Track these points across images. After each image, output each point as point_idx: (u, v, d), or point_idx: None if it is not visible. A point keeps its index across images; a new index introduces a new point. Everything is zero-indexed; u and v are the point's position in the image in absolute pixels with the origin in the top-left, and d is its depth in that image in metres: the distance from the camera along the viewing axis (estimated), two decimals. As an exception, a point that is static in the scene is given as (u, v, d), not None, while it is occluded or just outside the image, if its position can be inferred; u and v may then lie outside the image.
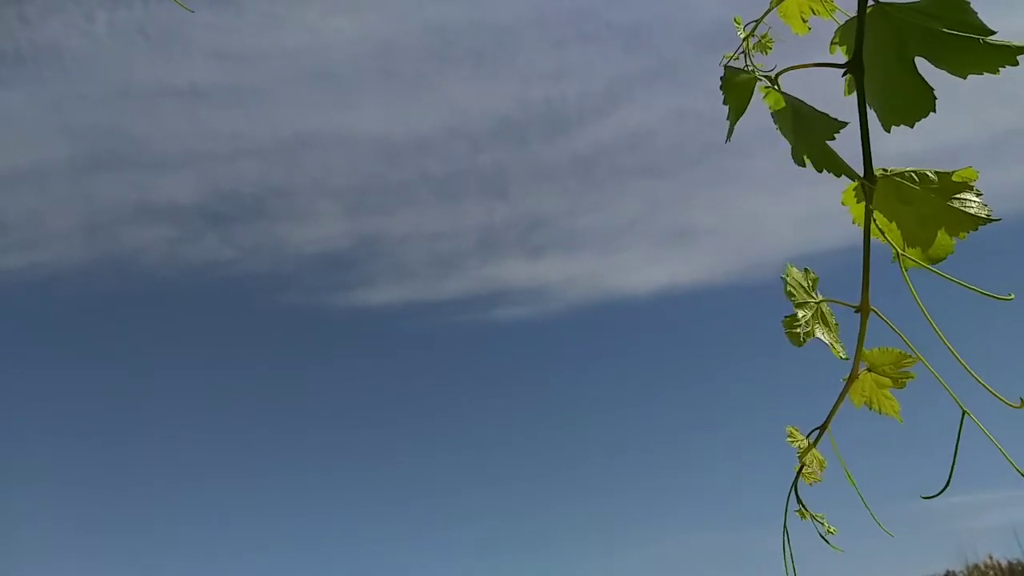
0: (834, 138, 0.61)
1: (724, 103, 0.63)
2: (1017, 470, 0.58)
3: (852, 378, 0.70)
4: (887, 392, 0.72)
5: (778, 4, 0.76)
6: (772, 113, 0.67)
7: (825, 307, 0.73)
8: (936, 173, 0.66)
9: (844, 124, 0.60)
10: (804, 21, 0.78)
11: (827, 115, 0.61)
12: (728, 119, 0.63)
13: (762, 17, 0.82)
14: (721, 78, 0.63)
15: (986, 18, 0.61)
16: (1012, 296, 0.57)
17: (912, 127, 0.60)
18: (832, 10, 0.77)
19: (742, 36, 0.84)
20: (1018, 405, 0.56)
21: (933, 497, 0.62)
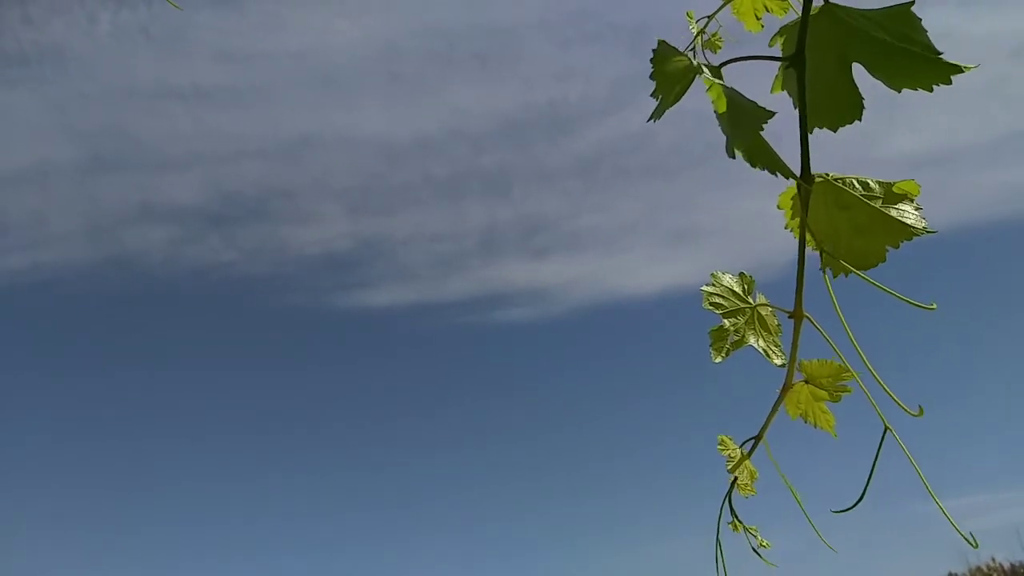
0: (763, 128, 0.59)
1: (651, 77, 0.61)
2: (928, 488, 0.56)
3: (785, 388, 0.68)
4: (823, 406, 0.69)
5: (730, 0, 0.73)
6: (714, 108, 0.66)
7: (764, 311, 0.70)
8: (877, 182, 0.64)
9: (773, 113, 0.58)
10: (758, 18, 0.76)
11: (757, 104, 0.59)
12: (654, 95, 0.61)
13: (715, 13, 0.79)
14: (652, 50, 0.61)
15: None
16: (934, 306, 0.55)
17: (835, 132, 0.58)
18: (786, 8, 0.75)
19: (694, 31, 0.81)
20: (917, 413, 0.54)
21: (846, 511, 0.59)
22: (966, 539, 0.53)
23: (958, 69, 0.57)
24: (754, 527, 0.73)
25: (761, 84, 0.67)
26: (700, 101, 0.66)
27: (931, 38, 0.59)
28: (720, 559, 0.72)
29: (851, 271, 0.60)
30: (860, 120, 0.58)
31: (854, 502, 0.58)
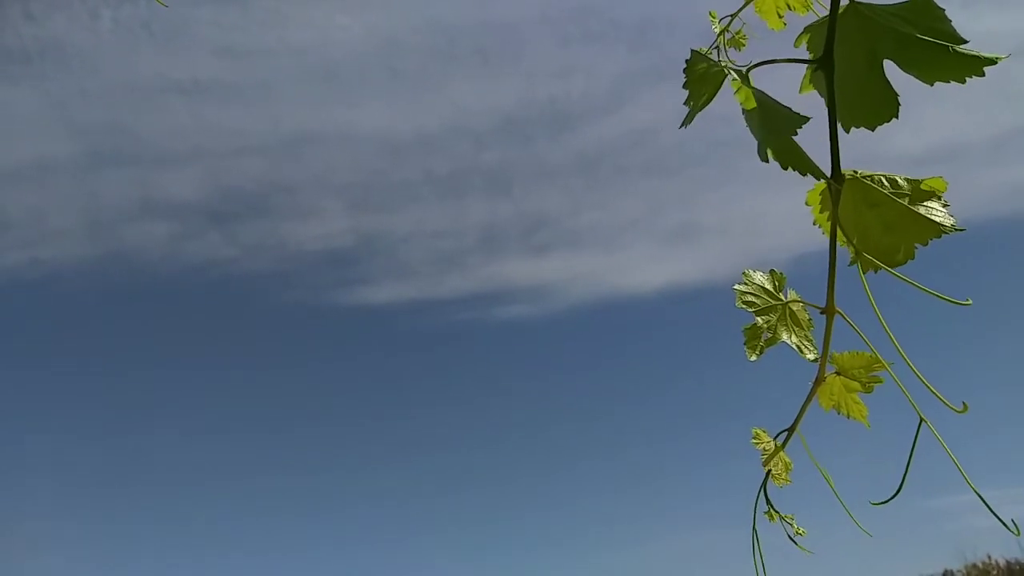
0: (797, 133, 0.60)
1: (684, 87, 0.62)
2: (967, 481, 0.57)
3: (818, 381, 0.70)
4: (855, 396, 0.71)
5: (753, -1, 0.74)
6: (742, 108, 0.67)
7: (795, 307, 0.72)
8: (905, 179, 0.65)
9: (807, 119, 0.59)
10: (780, 16, 0.76)
11: (791, 109, 0.60)
12: (687, 103, 0.62)
13: (738, 12, 0.80)
14: (686, 61, 0.62)
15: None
16: (970, 301, 0.56)
17: (872, 131, 0.59)
18: (808, 6, 0.75)
19: (716, 31, 0.82)
20: (961, 409, 0.55)
21: (884, 503, 0.61)
22: (1007, 527, 0.54)
23: (990, 60, 0.57)
24: (790, 515, 0.74)
25: (788, 83, 0.68)
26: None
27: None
28: (757, 549, 0.74)
29: (881, 267, 0.62)
30: (897, 117, 0.59)
31: (892, 494, 0.60)
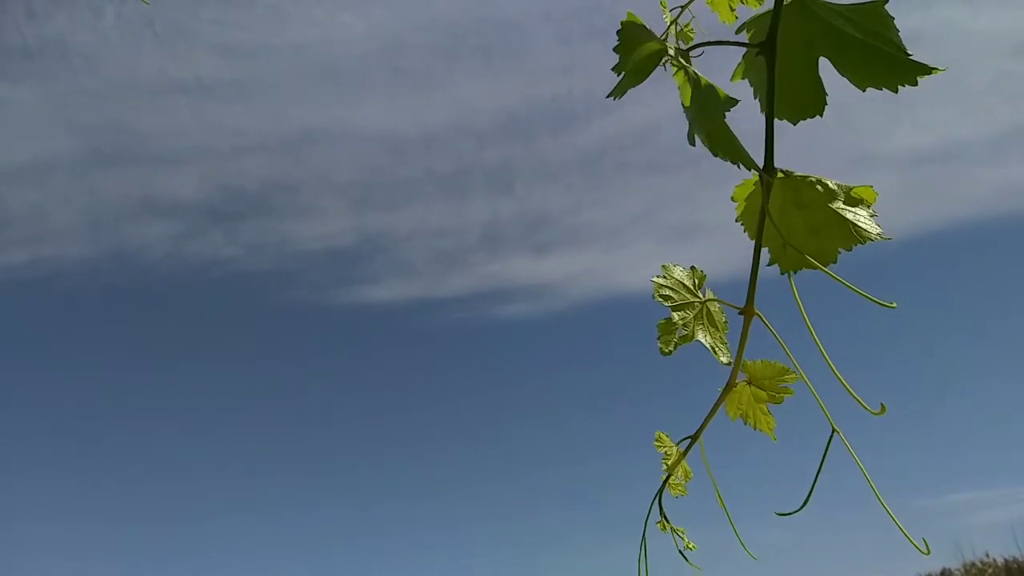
0: (726, 115, 0.57)
1: (615, 50, 0.59)
2: (874, 490, 0.54)
3: (728, 387, 0.66)
4: (764, 407, 0.68)
5: (705, -11, 0.72)
6: (679, 91, 0.64)
7: (713, 306, 0.69)
8: (837, 184, 0.63)
9: (736, 101, 0.56)
10: (732, 10, 0.74)
11: (722, 90, 0.57)
12: (615, 70, 0.59)
13: (688, 3, 0.78)
14: (621, 23, 0.59)
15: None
16: (895, 304, 0.54)
17: (795, 124, 0.57)
18: (761, 0, 0.73)
19: (667, 21, 0.80)
20: (878, 412, 0.52)
21: (789, 515, 0.58)
22: (916, 546, 0.51)
23: (926, 70, 0.56)
24: (682, 528, 0.71)
25: (727, 73, 0.65)
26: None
27: (903, 37, 0.59)
28: (643, 559, 0.70)
29: (808, 266, 0.59)
30: (822, 115, 0.57)
31: (799, 506, 0.57)
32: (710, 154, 0.60)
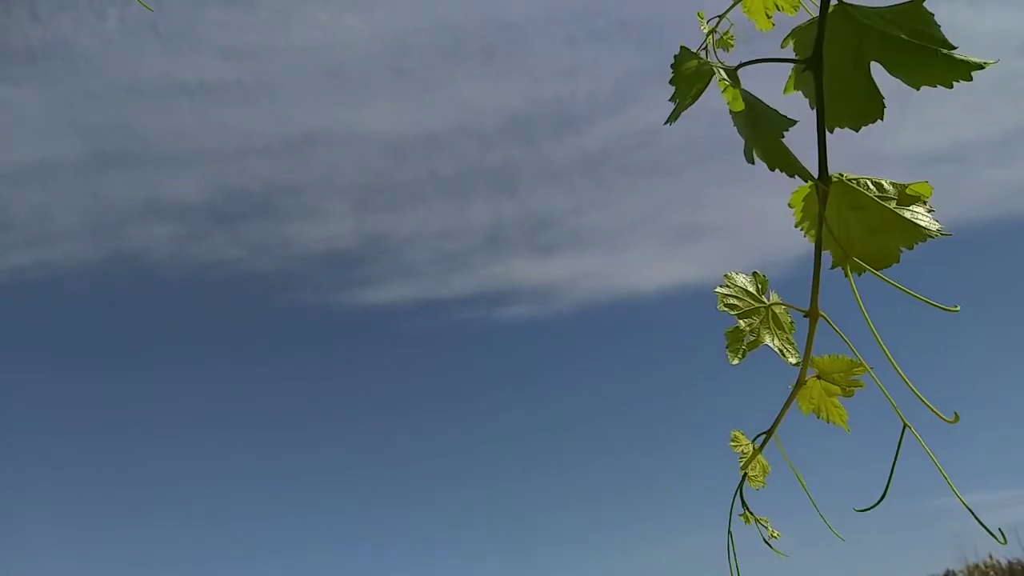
0: (784, 136, 0.59)
1: (670, 83, 0.62)
2: (952, 488, 0.57)
3: (799, 384, 0.69)
4: (835, 400, 0.70)
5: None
6: (729, 109, 0.66)
7: (778, 310, 0.71)
8: (891, 183, 0.65)
9: (795, 122, 0.58)
10: (768, 17, 0.76)
11: (778, 111, 0.59)
12: (672, 100, 0.62)
13: (726, 12, 0.80)
14: (674, 57, 0.62)
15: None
16: (957, 308, 0.56)
17: (857, 131, 0.59)
18: (797, 6, 0.75)
19: (705, 31, 0.82)
20: (953, 420, 0.55)
21: (869, 509, 0.61)
22: (992, 535, 0.54)
23: (978, 65, 0.57)
24: (765, 518, 0.74)
25: (774, 83, 0.68)
26: (709, 99, 0.66)
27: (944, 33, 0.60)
28: (732, 550, 0.74)
29: (866, 269, 0.61)
30: (882, 119, 0.59)
31: (876, 501, 0.59)
32: (764, 167, 0.63)
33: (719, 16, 0.83)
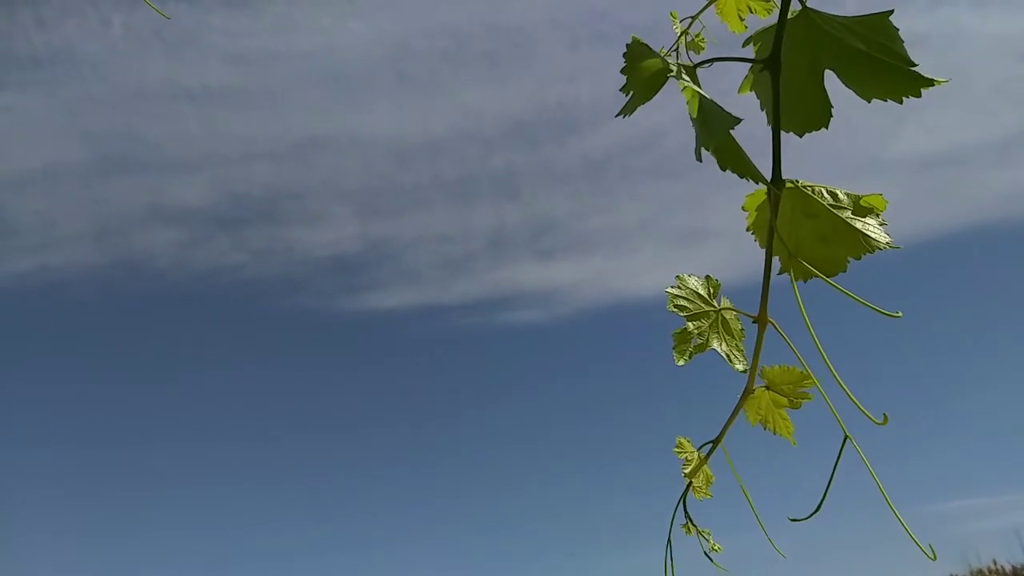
0: (728, 132, 0.59)
1: (622, 72, 0.61)
2: (885, 497, 0.55)
3: (746, 393, 0.68)
4: (783, 412, 0.69)
5: (714, 1, 0.73)
6: (688, 106, 0.65)
7: (728, 315, 0.70)
8: (847, 193, 0.64)
9: (739, 120, 0.57)
10: (741, 19, 0.75)
11: (724, 109, 0.59)
12: (624, 90, 0.61)
13: (698, 13, 0.79)
14: (626, 46, 0.61)
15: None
16: (900, 314, 0.55)
17: (800, 136, 0.58)
18: (769, 9, 0.74)
19: (677, 32, 0.81)
20: (882, 421, 0.53)
21: (802, 520, 0.59)
22: (924, 551, 0.52)
23: (930, 82, 0.56)
24: (707, 530, 0.72)
25: (736, 84, 0.66)
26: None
27: (907, 48, 0.59)
28: (669, 562, 0.72)
29: (816, 275, 0.60)
30: (827, 128, 0.58)
31: (812, 511, 0.58)
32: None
33: (691, 17, 0.82)
